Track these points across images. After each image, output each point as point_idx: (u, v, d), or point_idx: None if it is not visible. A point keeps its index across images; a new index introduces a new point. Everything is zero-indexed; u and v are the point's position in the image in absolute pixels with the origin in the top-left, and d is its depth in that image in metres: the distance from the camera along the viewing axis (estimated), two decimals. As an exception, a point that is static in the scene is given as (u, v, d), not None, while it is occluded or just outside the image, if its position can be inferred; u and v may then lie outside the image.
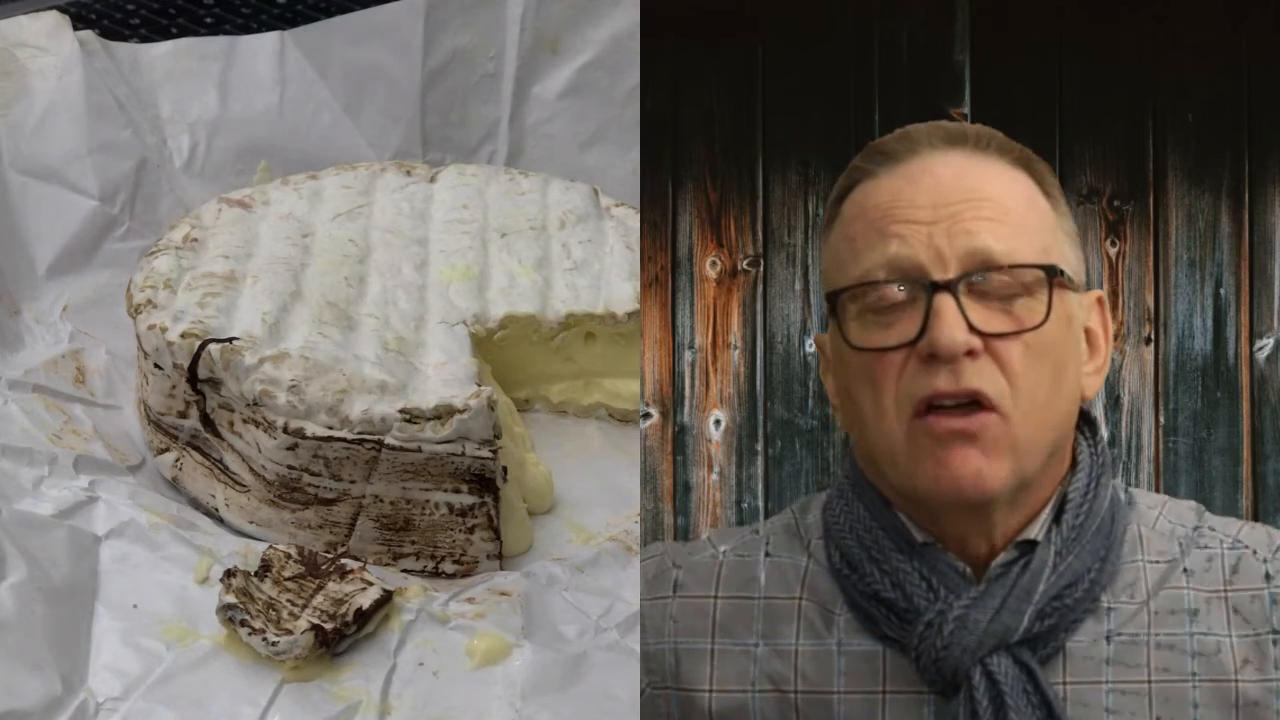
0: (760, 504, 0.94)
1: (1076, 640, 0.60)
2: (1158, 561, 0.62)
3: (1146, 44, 0.92)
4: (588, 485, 1.05)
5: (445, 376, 0.98)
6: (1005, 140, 0.62)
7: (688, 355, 0.95)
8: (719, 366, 0.94)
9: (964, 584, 0.60)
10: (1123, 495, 0.63)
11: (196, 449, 1.01)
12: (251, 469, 0.97)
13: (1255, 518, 0.92)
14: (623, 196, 1.20)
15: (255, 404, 0.95)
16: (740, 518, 0.94)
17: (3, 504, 0.90)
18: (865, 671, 0.61)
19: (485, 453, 0.95)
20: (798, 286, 0.94)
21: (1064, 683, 0.60)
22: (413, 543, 0.96)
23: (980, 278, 0.59)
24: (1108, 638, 0.60)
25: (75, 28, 1.25)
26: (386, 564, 0.96)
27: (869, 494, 0.62)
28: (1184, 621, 0.61)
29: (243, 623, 0.85)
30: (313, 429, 0.94)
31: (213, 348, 0.97)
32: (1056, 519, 0.61)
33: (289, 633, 0.85)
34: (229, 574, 0.88)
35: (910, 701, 0.60)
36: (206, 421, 0.99)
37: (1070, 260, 0.61)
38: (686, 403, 0.94)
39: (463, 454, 0.94)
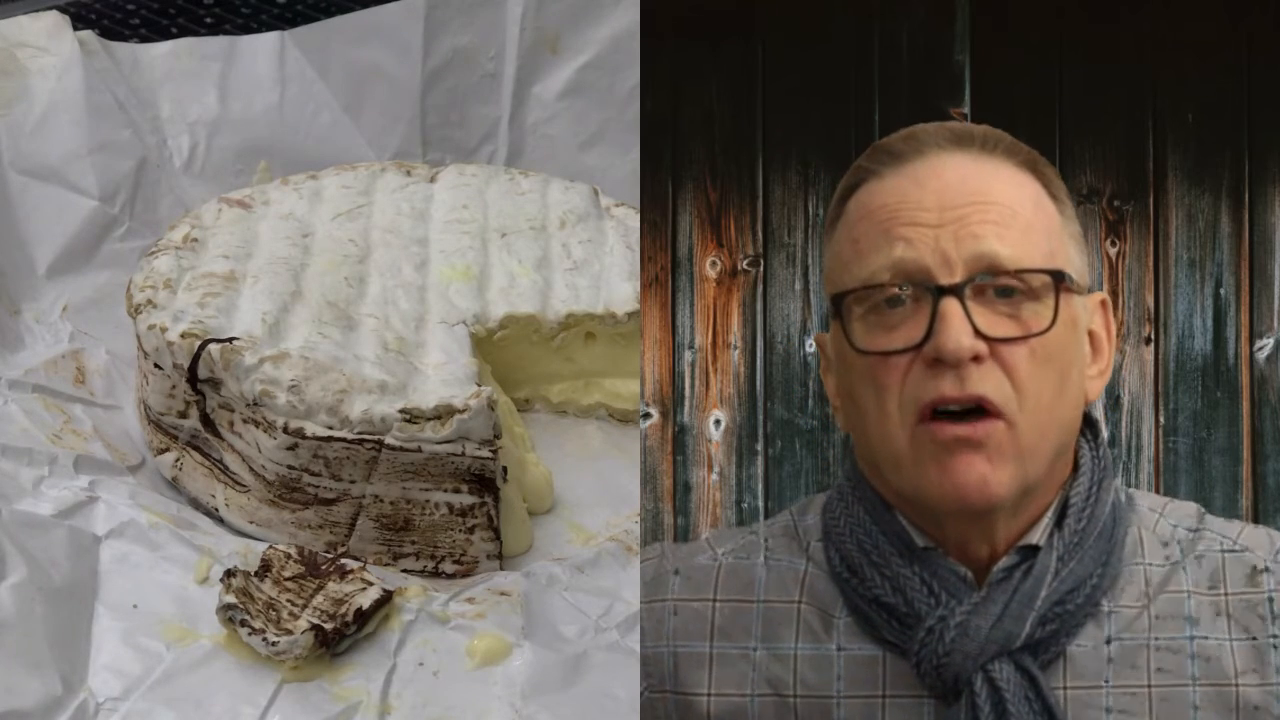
0: (760, 504, 0.94)
1: (1077, 645, 0.60)
2: (1158, 565, 0.61)
3: (1146, 44, 0.92)
4: (588, 485, 1.05)
5: (445, 376, 0.98)
6: (1012, 142, 0.61)
7: (688, 355, 0.95)
8: (719, 366, 0.94)
9: (965, 589, 0.60)
10: (1123, 497, 0.63)
11: (196, 449, 1.01)
12: (251, 469, 0.97)
13: (1255, 518, 0.92)
14: (623, 196, 1.20)
15: (255, 404, 0.95)
16: (740, 518, 0.94)
17: (3, 504, 0.90)
18: (865, 676, 0.61)
19: (485, 453, 0.95)
20: (798, 286, 0.94)
21: (1064, 688, 0.60)
22: (413, 543, 0.96)
23: (986, 277, 0.58)
24: (1108, 642, 0.60)
25: (75, 28, 1.25)
26: (386, 564, 0.96)
27: (869, 497, 0.62)
28: (1184, 625, 0.60)
29: (243, 623, 0.85)
30: (313, 429, 0.94)
31: (213, 348, 0.97)
32: (1058, 524, 0.60)
33: (289, 633, 0.85)
34: (229, 574, 0.88)
35: (910, 706, 0.60)
36: (206, 421, 0.99)
37: (1075, 263, 0.61)
38: (686, 403, 0.94)
39: (463, 454, 0.94)
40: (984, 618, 0.59)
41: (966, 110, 0.93)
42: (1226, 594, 0.61)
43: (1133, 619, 0.60)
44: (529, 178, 1.22)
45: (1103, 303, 0.62)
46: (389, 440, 0.94)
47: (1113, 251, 0.93)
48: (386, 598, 0.89)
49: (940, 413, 0.58)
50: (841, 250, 0.61)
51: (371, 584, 0.90)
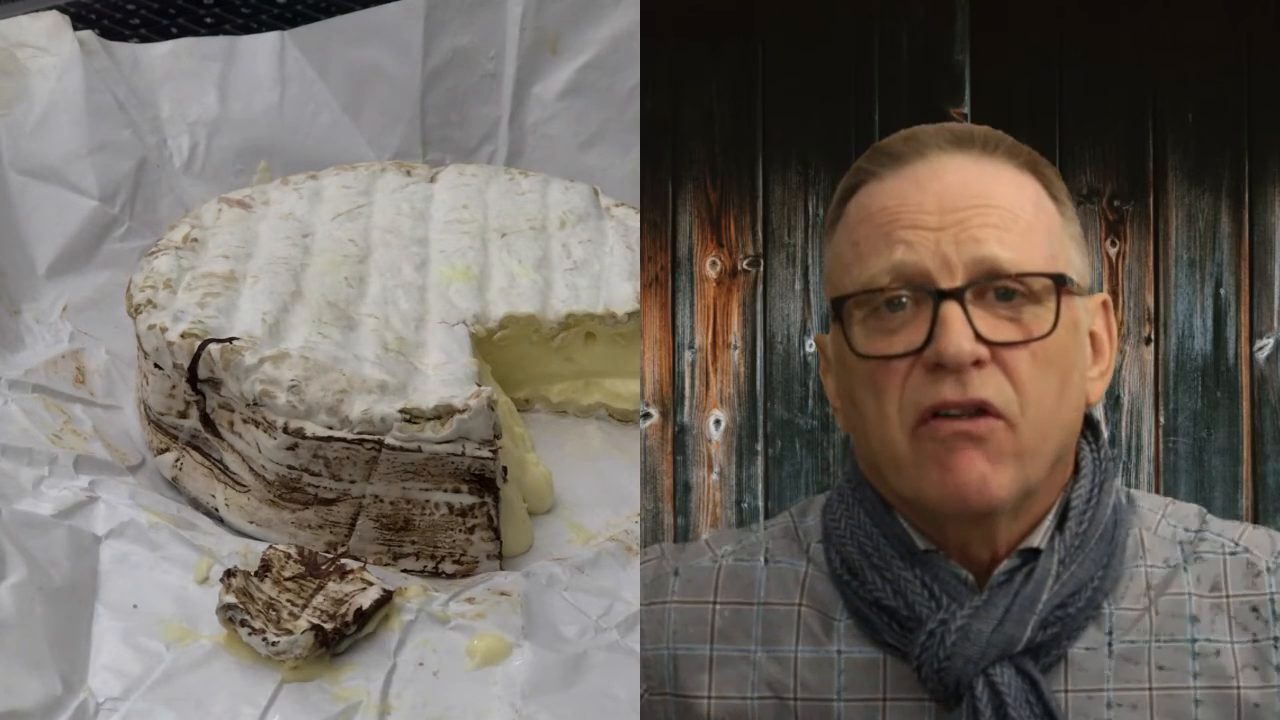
0: (760, 504, 0.94)
1: (1078, 648, 0.60)
2: (1159, 567, 0.61)
3: (1146, 44, 0.92)
4: (588, 485, 1.05)
5: (445, 376, 0.98)
6: (1013, 144, 0.61)
7: (688, 355, 0.95)
8: (719, 366, 0.94)
9: (966, 592, 0.60)
10: (1124, 498, 0.62)
11: (196, 449, 1.01)
12: (251, 469, 0.97)
13: (1255, 518, 0.92)
14: (623, 196, 1.20)
15: (255, 404, 0.95)
16: (740, 518, 0.94)
17: (3, 504, 0.90)
18: (865, 679, 0.61)
19: (485, 453, 0.95)
20: (798, 286, 0.94)
21: (1066, 691, 0.60)
22: (413, 543, 0.96)
23: (987, 281, 0.58)
24: (1109, 645, 0.60)
25: (75, 28, 1.25)
26: (386, 564, 0.96)
27: (870, 498, 0.61)
28: (1185, 628, 0.60)
29: (243, 623, 0.85)
30: (313, 429, 0.94)
31: (213, 348, 0.97)
32: (1060, 526, 0.60)
33: (289, 633, 0.85)
34: (229, 574, 0.88)
35: (911, 709, 0.60)
36: (206, 421, 0.99)
37: (1077, 265, 0.61)
38: (686, 403, 0.94)
39: (463, 454, 0.94)
40: (985, 621, 0.59)
41: (966, 110, 0.93)
42: (1228, 596, 0.61)
43: (1134, 621, 0.60)
44: (529, 178, 1.22)
45: (1104, 304, 0.62)
46: (389, 440, 0.94)
47: (1113, 251, 0.93)
48: (386, 598, 0.89)
49: (941, 415, 0.58)
50: (841, 252, 0.61)
51: (371, 584, 0.90)
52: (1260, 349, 0.93)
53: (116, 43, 1.29)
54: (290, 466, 0.95)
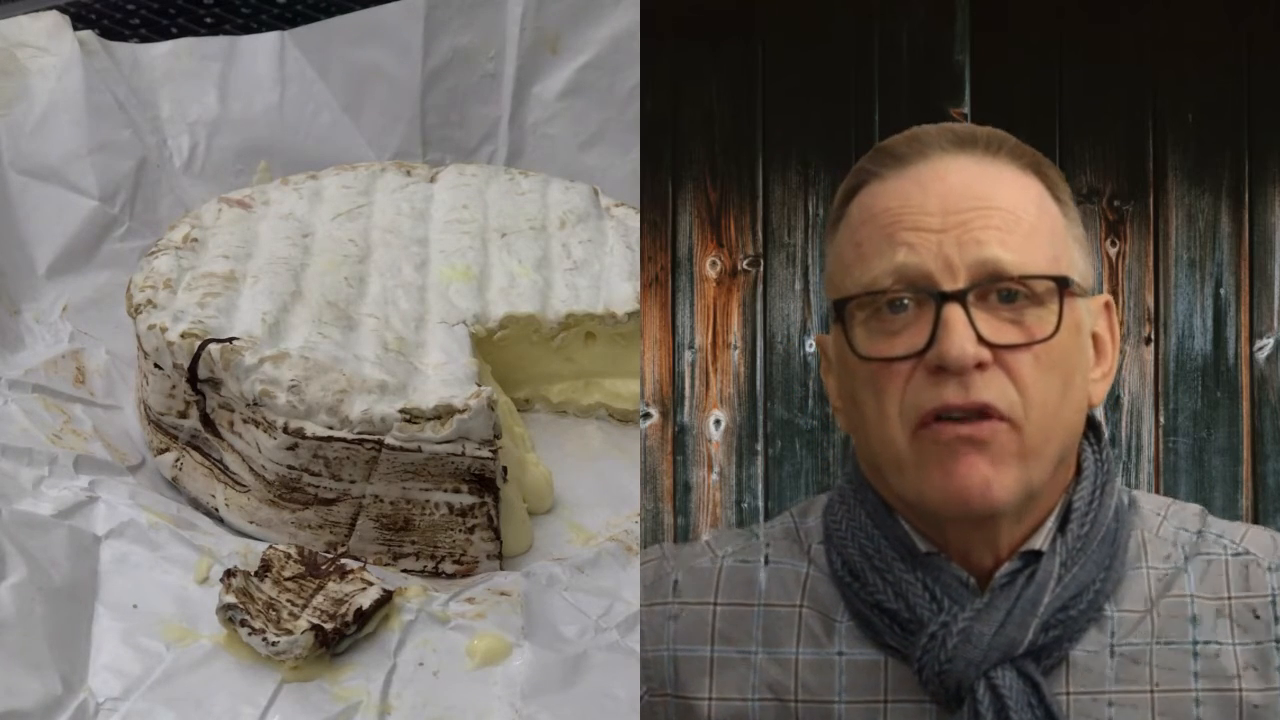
0: (760, 504, 0.94)
1: (1080, 650, 0.60)
2: (1161, 568, 0.61)
3: (1146, 44, 0.92)
4: (588, 485, 1.05)
5: (445, 376, 0.98)
6: (1017, 144, 0.61)
7: (688, 355, 0.95)
8: (719, 366, 0.94)
9: (968, 595, 0.60)
10: (1126, 500, 0.62)
11: (196, 449, 1.01)
12: (251, 469, 0.97)
13: (1255, 518, 0.92)
14: (623, 196, 1.20)
15: (255, 404, 0.95)
16: (740, 518, 0.94)
17: (3, 504, 0.90)
18: (866, 681, 0.61)
19: (485, 453, 0.95)
20: (798, 286, 0.94)
21: (1067, 693, 0.60)
22: (413, 543, 0.96)
23: (991, 283, 0.58)
24: (1111, 647, 0.60)
25: (75, 28, 1.25)
26: (386, 564, 0.96)
27: (871, 500, 0.61)
28: (1187, 629, 0.60)
29: (243, 623, 0.85)
30: (313, 429, 0.94)
31: (213, 348, 0.97)
32: (1061, 528, 0.60)
33: (289, 633, 0.85)
34: (229, 574, 0.88)
35: (912, 712, 0.60)
36: (206, 421, 0.99)
37: (1080, 266, 0.60)
38: (686, 403, 0.94)
39: (463, 454, 0.94)
40: (987, 624, 0.59)
41: (966, 110, 0.93)
42: (1229, 597, 0.61)
43: (1136, 623, 0.60)
44: (529, 178, 1.22)
45: (1107, 305, 0.62)
46: (389, 440, 0.94)
47: (1113, 251, 0.93)
48: (386, 598, 0.89)
49: (943, 418, 0.58)
50: (844, 253, 0.61)
51: (371, 584, 0.90)
52: (1260, 349, 0.93)
53: (116, 43, 1.29)
54: (290, 466, 0.95)
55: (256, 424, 0.96)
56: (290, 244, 1.09)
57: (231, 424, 0.98)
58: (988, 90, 0.93)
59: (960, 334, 0.57)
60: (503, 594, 0.92)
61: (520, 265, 1.11)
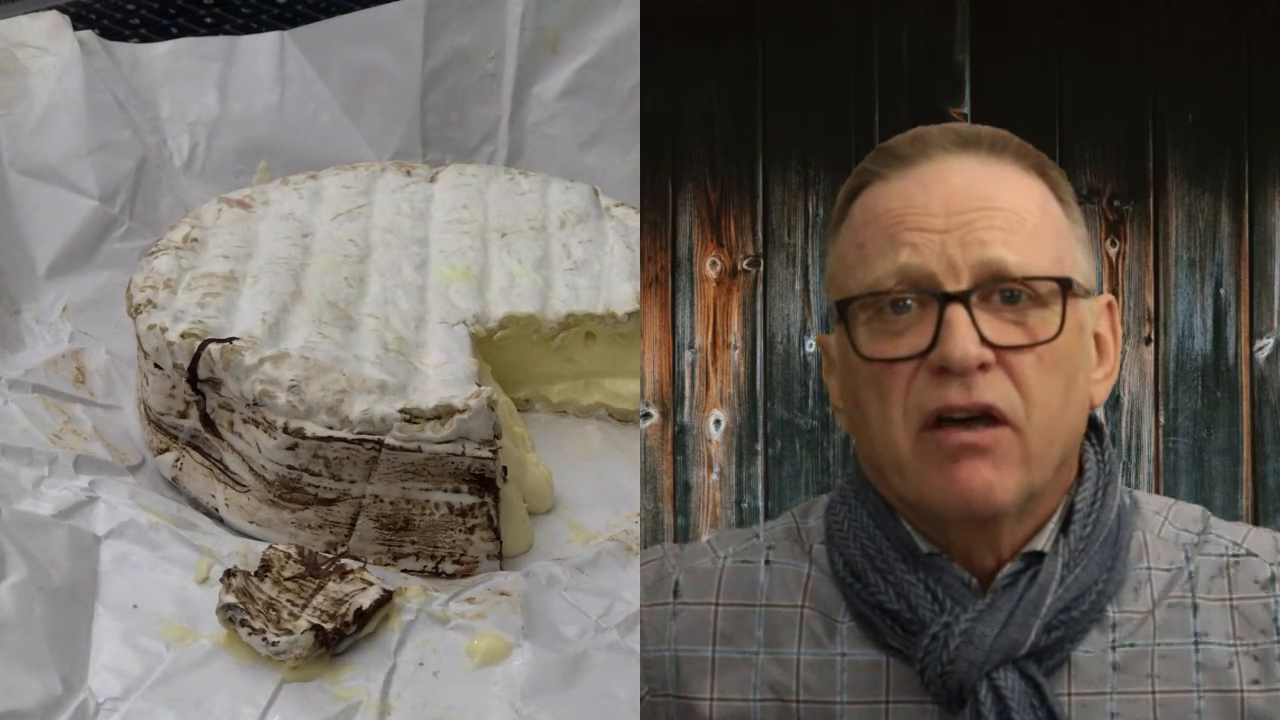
0: (760, 504, 0.94)
1: (1082, 651, 0.60)
2: (1163, 569, 0.61)
3: (1146, 44, 0.92)
4: (588, 485, 1.05)
5: (445, 376, 0.98)
6: (1020, 145, 0.61)
7: (688, 355, 0.95)
8: (719, 366, 0.94)
9: (970, 596, 0.59)
10: (1128, 500, 0.62)
11: (196, 449, 1.01)
12: (251, 469, 0.97)
13: (1255, 518, 0.92)
14: (623, 196, 1.20)
15: (255, 404, 0.95)
16: (740, 518, 0.94)
17: (3, 504, 0.90)
18: (868, 682, 0.61)
19: (485, 453, 0.95)
20: (798, 286, 0.94)
21: (1069, 694, 0.59)
22: (413, 543, 0.96)
23: (994, 284, 0.58)
24: (1113, 648, 0.60)
25: (75, 28, 1.25)
26: (386, 564, 0.96)
27: (873, 501, 0.61)
28: (1189, 631, 0.60)
29: (243, 623, 0.85)
30: (313, 429, 0.94)
31: (213, 348, 0.97)
32: (1064, 529, 0.60)
33: (289, 633, 0.85)
34: (229, 574, 0.88)
35: (914, 713, 0.60)
36: (206, 421, 0.99)
37: (1082, 267, 0.60)
38: (686, 403, 0.94)
39: (463, 454, 0.94)
40: (989, 625, 0.59)
41: (966, 110, 0.93)
42: (1231, 599, 0.61)
43: (1138, 624, 0.60)
44: (529, 178, 1.22)
45: (1109, 305, 0.62)
46: (389, 440, 0.94)
47: (1113, 251, 0.93)
48: (386, 598, 0.89)
49: (945, 419, 0.58)
50: (846, 254, 0.61)
51: (371, 584, 0.90)
52: (1260, 349, 0.93)
53: (116, 43, 1.29)
54: (290, 466, 0.95)
55: (256, 424, 0.96)
56: (290, 244, 1.09)
57: (231, 424, 0.98)
58: (988, 90, 0.93)
59: (963, 335, 0.57)
60: (503, 594, 0.92)
61: (520, 265, 1.11)
